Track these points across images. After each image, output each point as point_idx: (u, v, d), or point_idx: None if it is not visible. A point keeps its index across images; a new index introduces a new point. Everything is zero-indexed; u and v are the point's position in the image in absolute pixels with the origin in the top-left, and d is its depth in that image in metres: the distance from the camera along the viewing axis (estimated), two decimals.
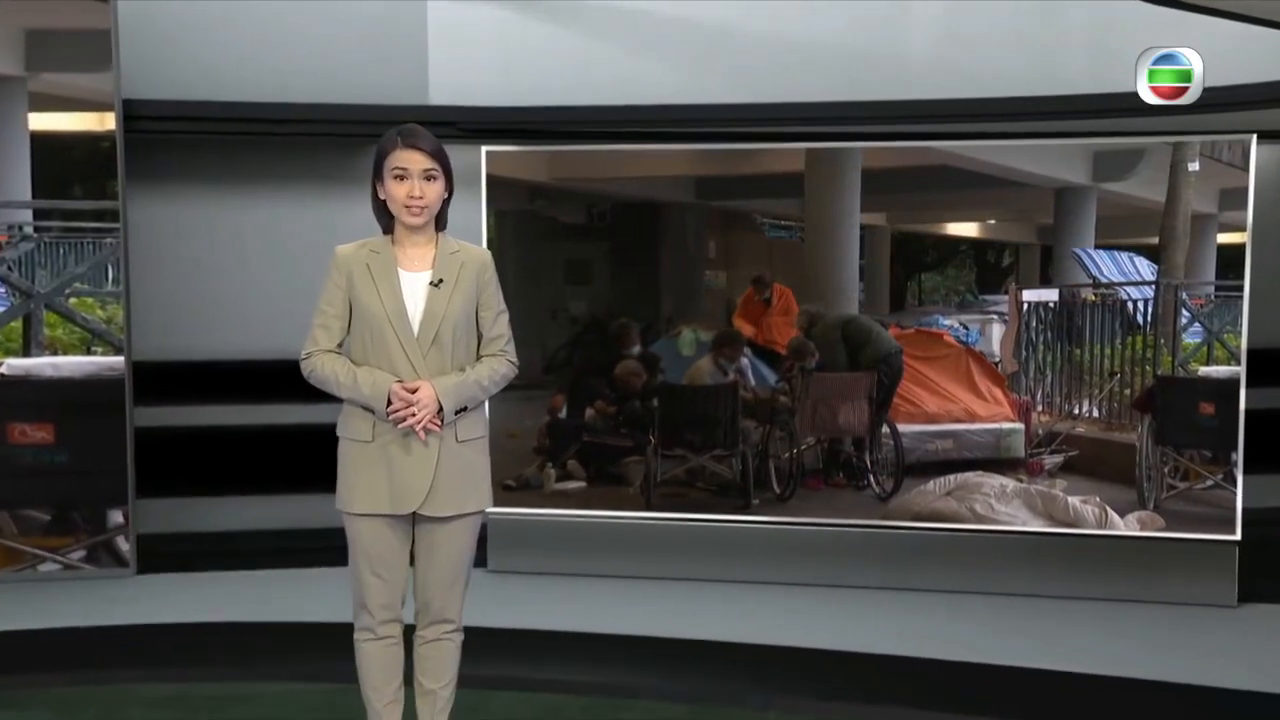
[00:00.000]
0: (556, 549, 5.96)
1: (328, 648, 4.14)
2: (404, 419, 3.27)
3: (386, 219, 3.41)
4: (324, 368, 3.36)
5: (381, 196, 3.38)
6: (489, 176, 5.87)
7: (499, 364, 3.44)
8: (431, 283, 3.36)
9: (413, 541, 3.45)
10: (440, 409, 3.29)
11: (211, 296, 6.51)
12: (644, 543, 5.93)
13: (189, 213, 6.46)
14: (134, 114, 5.98)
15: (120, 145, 5.88)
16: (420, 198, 3.32)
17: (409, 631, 3.53)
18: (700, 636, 5.11)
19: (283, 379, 6.29)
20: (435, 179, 3.34)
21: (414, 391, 3.27)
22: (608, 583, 5.83)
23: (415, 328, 3.34)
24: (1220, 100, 5.62)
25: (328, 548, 5.49)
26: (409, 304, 3.35)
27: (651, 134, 6.24)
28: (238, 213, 6.52)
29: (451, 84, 6.48)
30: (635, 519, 5.97)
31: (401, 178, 3.32)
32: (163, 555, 6.08)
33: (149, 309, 6.26)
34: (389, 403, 3.27)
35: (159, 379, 6.26)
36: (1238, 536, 5.45)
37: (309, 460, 6.11)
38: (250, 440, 6.49)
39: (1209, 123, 5.60)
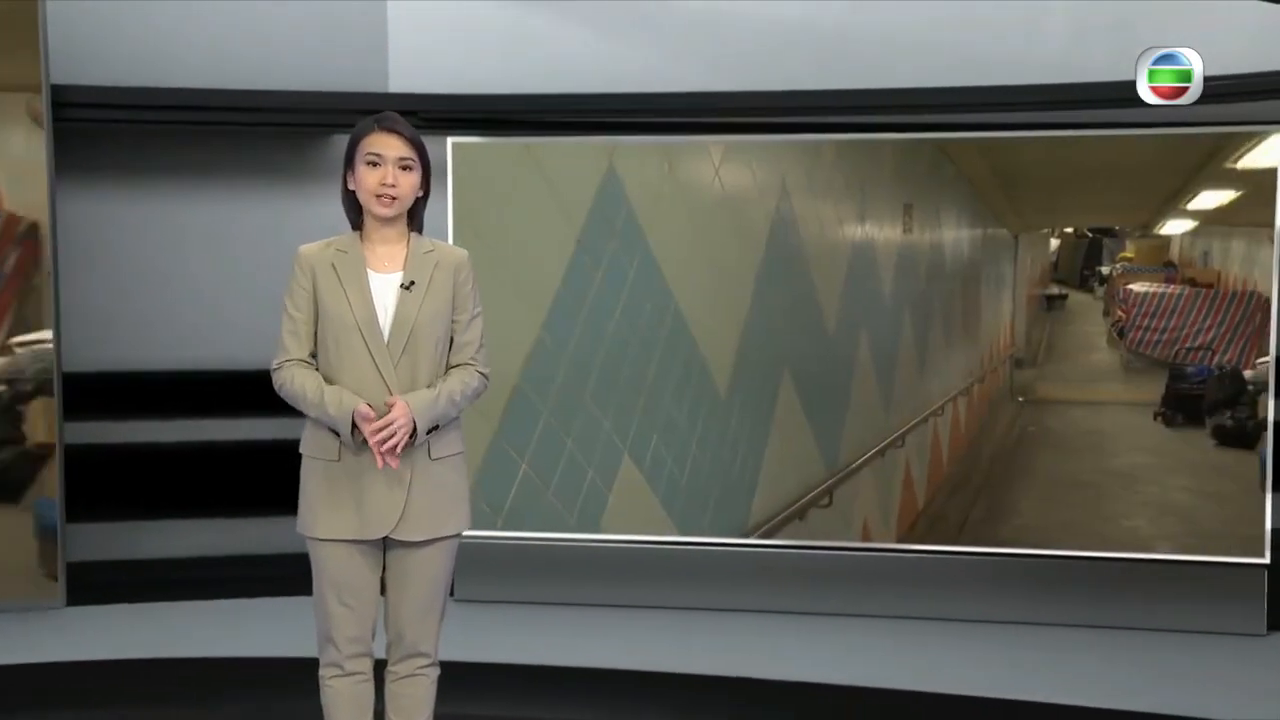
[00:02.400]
0: (530, 575, 5.90)
1: (287, 685, 4.10)
2: (382, 442, 3.21)
3: (355, 213, 3.38)
4: (293, 382, 3.30)
5: (351, 187, 3.34)
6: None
7: (469, 376, 3.38)
8: (402, 285, 3.32)
9: (383, 568, 3.39)
10: (414, 429, 3.24)
11: (149, 302, 6.47)
12: (624, 568, 5.89)
13: (124, 210, 6.41)
14: (63, 100, 5.90)
15: (48, 135, 5.80)
16: (393, 185, 3.27)
17: (380, 667, 3.48)
18: (690, 670, 5.08)
19: (227, 392, 6.32)
20: (411, 169, 3.30)
21: (387, 412, 3.22)
22: (587, 611, 5.79)
23: (385, 334, 3.29)
24: (1243, 89, 5.65)
25: (280, 575, 5.48)
26: (379, 308, 3.30)
27: (631, 124, 6.23)
28: (178, 210, 6.48)
29: (414, 70, 6.45)
30: (613, 543, 5.91)
31: (374, 164, 3.28)
32: (94, 585, 6.00)
33: (80, 316, 6.19)
34: (354, 426, 3.22)
35: (91, 392, 6.20)
36: (1266, 559, 5.47)
37: (256, 480, 6.11)
38: (191, 459, 6.46)
39: (1232, 113, 5.64)
